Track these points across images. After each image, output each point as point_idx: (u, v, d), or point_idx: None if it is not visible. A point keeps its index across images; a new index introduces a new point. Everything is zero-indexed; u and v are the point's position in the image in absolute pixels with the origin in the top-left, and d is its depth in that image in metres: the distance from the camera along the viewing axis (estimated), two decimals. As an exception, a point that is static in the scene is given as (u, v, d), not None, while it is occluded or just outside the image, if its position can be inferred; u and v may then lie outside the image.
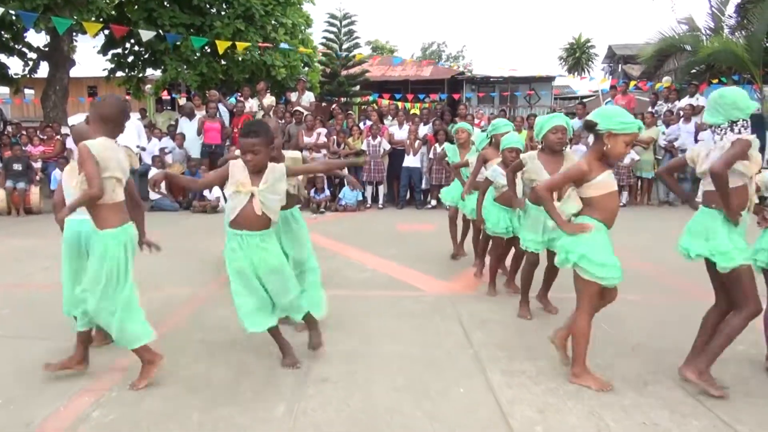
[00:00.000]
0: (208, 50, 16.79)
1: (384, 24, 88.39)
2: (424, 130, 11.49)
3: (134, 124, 11.61)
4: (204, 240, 7.57)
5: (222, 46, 12.56)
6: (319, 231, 8.45)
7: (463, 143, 6.28)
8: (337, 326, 4.19)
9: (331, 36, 22.36)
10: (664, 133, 11.59)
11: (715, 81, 14.91)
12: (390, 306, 4.70)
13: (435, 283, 5.46)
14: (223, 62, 17.29)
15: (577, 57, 36.14)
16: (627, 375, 3.34)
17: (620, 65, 34.54)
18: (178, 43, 15.06)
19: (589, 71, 34.73)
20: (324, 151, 11.23)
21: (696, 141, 11.43)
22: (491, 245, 5.24)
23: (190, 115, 11.98)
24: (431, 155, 10.91)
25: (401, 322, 4.28)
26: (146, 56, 18.01)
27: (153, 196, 11.04)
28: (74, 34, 16.11)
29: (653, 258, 6.50)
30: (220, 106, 12.30)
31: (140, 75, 18.83)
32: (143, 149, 11.03)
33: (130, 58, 18.44)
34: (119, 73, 18.78)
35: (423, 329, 4.12)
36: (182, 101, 17.01)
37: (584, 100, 17.63)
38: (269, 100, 13.00)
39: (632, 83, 17.21)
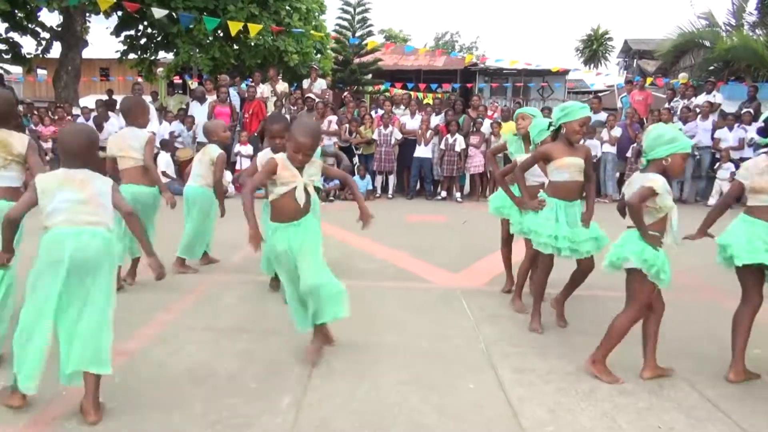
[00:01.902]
0: (221, 34, 16.73)
1: (397, 13, 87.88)
2: (436, 120, 11.38)
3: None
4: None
5: (234, 27, 12.46)
6: (328, 219, 8.37)
7: (526, 134, 4.65)
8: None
9: (345, 23, 22.17)
10: (680, 130, 11.39)
11: (733, 78, 14.69)
12: (398, 297, 4.63)
13: (445, 275, 5.38)
14: (235, 47, 17.23)
15: (594, 49, 35.73)
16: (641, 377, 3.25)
17: (635, 60, 34.14)
18: (191, 26, 15.00)
19: (606, 64, 34.33)
20: (334, 139, 11.14)
21: (712, 139, 11.27)
22: (540, 265, 4.17)
23: (201, 99, 11.90)
24: (443, 146, 10.80)
25: (409, 314, 4.21)
26: (159, 39, 17.97)
27: (162, 179, 11.01)
28: (87, 14, 16.08)
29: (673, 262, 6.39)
30: (231, 91, 12.22)
31: (153, 58, 18.80)
32: (153, 133, 10.96)
33: (143, 41, 18.41)
34: (131, 55, 18.76)
35: (432, 322, 4.05)
36: (194, 86, 16.99)
37: (599, 95, 17.38)
38: (282, 86, 12.92)
39: (648, 80, 16.98)
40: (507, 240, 4.94)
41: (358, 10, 21.95)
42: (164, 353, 3.37)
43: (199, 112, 11.80)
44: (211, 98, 11.70)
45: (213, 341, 3.59)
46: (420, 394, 2.98)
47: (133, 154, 4.49)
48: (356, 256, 6.06)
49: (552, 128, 3.99)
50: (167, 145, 11.09)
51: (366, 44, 22.03)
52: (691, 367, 3.37)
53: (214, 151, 5.32)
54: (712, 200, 11.04)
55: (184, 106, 12.72)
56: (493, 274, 5.44)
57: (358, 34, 22.00)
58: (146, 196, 4.56)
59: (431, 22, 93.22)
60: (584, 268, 4.06)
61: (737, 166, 6.02)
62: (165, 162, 10.78)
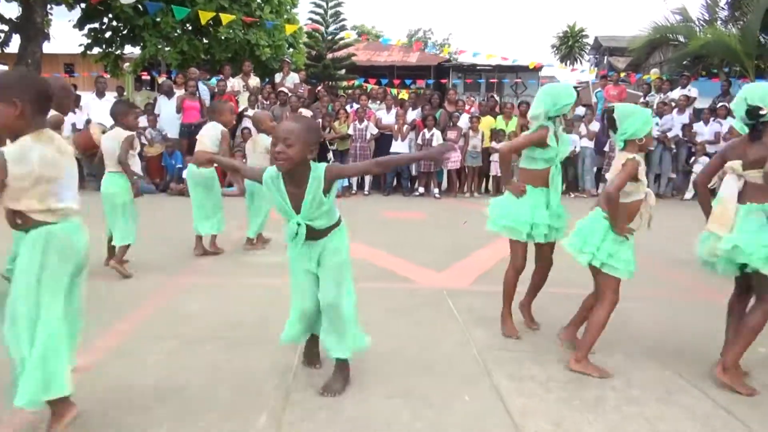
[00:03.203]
0: (189, 27, 16.21)
1: (370, 10, 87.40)
2: (412, 115, 11.12)
3: (110, 101, 11.05)
4: (181, 224, 7.07)
5: (204, 17, 12.00)
6: (303, 217, 8.07)
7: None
8: (325, 321, 3.83)
9: (317, 17, 21.78)
10: (657, 124, 11.34)
11: (705, 74, 14.77)
12: (381, 299, 4.34)
13: (428, 274, 5.12)
14: (205, 41, 16.72)
15: (570, 46, 35.91)
16: (645, 382, 3.04)
17: (606, 57, 34.46)
18: (158, 19, 14.47)
19: (581, 61, 34.56)
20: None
21: (682, 129, 11.21)
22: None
23: (169, 94, 11.43)
24: (420, 141, 10.55)
25: (394, 319, 3.93)
26: (124, 32, 17.33)
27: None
28: (48, 6, 15.40)
29: (652, 252, 6.23)
30: (200, 85, 11.78)
31: (118, 52, 18.14)
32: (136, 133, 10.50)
33: (108, 34, 17.74)
34: (96, 50, 18.07)
35: (418, 326, 3.78)
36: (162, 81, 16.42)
37: (576, 89, 17.35)
38: (255, 81, 12.53)
39: (622, 74, 16.98)
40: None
41: (331, 4, 21.58)
42: (124, 368, 3.03)
43: (166, 107, 11.34)
44: (180, 92, 11.25)
45: (180, 352, 3.25)
46: (412, 408, 2.70)
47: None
48: (334, 256, 5.75)
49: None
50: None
51: (340, 38, 21.71)
52: (699, 371, 3.16)
53: (265, 140, 5.74)
54: (689, 194, 11.01)
55: (151, 101, 12.25)
56: (477, 273, 5.20)
57: (331, 28, 21.64)
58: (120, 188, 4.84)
59: (404, 19, 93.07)
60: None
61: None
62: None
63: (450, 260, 5.64)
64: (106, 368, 3.01)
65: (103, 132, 8.72)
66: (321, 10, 21.66)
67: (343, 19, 21.92)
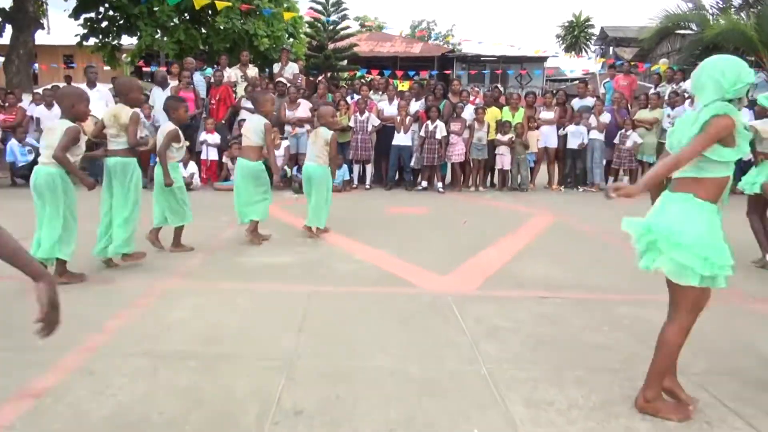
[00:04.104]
0: (187, 17, 15.82)
1: (373, 0, 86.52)
2: (415, 106, 10.69)
3: (103, 92, 10.69)
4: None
5: (199, 3, 11.58)
6: (301, 213, 7.69)
7: None
8: (319, 331, 3.47)
9: (318, 6, 21.32)
10: (669, 116, 10.91)
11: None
12: (381, 306, 3.97)
13: (432, 278, 4.73)
14: (203, 31, 16.33)
15: (575, 35, 35.32)
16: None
17: (612, 47, 33.96)
18: (155, 8, 14.08)
19: (586, 51, 34.00)
20: (307, 126, 10.42)
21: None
22: None
23: (163, 84, 11.03)
24: (423, 133, 10.14)
25: (394, 329, 3.55)
26: (121, 22, 16.95)
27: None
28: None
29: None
30: (197, 75, 11.39)
31: (115, 42, 17.77)
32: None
33: (104, 24, 17.37)
34: (92, 40, 17.70)
35: (420, 338, 3.40)
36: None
37: (585, 80, 16.87)
38: (253, 71, 12.13)
39: (632, 64, 16.52)
40: None
41: (332, -7, 21.15)
42: (86, 392, 2.66)
43: (160, 98, 10.94)
44: (174, 83, 10.86)
45: (151, 371, 2.88)
46: (412, 442, 2.33)
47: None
48: (334, 257, 5.38)
49: None
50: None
51: (341, 29, 21.26)
52: (739, 394, 2.78)
53: (326, 133, 6.07)
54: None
55: (148, 92, 11.86)
56: (484, 276, 4.81)
57: (332, 18, 21.18)
58: (123, 165, 4.78)
59: (407, 9, 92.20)
60: None
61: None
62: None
63: (455, 261, 5.26)
64: (63, 392, 2.64)
65: (95, 124, 8.45)
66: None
67: (345, 9, 21.47)
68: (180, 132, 5.26)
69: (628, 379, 2.89)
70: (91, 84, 10.50)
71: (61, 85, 14.06)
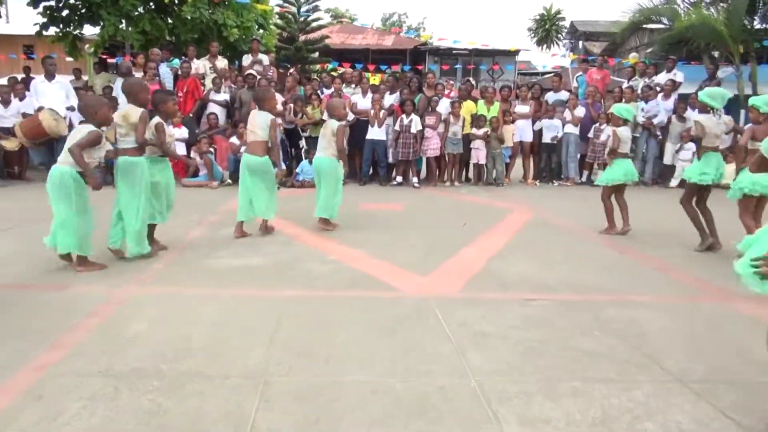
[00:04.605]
0: (152, 6, 15.25)
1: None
2: (389, 99, 10.46)
3: (62, 84, 10.17)
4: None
5: (165, -7, 11.10)
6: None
7: None
8: (294, 343, 3.22)
9: (289, -3, 20.92)
10: (642, 109, 10.90)
11: (684, 59, 14.39)
12: (359, 312, 3.74)
13: (412, 279, 4.52)
14: (169, 21, 15.76)
15: (547, 29, 35.39)
16: (690, 423, 2.48)
17: (581, 42, 34.17)
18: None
19: (558, 44, 34.13)
20: (279, 120, 10.11)
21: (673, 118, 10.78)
22: None
23: (128, 76, 10.57)
24: (397, 127, 9.93)
25: (375, 338, 3.33)
26: (83, 10, 16.25)
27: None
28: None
29: (652, 248, 5.76)
30: (163, 67, 10.97)
31: (76, 32, 17.05)
32: (73, 109, 9.59)
33: (65, 12, 16.64)
34: (53, 29, 16.95)
35: (403, 349, 3.18)
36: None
37: (559, 73, 16.80)
38: (222, 62, 11.73)
39: (605, 58, 16.55)
40: None
41: (303, -17, 20.74)
42: (33, 419, 2.37)
43: (124, 90, 10.52)
44: (138, 75, 10.41)
45: (110, 395, 2.59)
46: (401, 471, 2.12)
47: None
48: (308, 257, 5.13)
49: None
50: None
51: (312, 20, 20.88)
52: (740, 402, 2.63)
53: (334, 124, 6.20)
54: (674, 182, 10.61)
55: (112, 85, 11.38)
56: (467, 276, 4.62)
57: (303, 9, 20.77)
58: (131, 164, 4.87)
59: (378, 2, 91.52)
60: None
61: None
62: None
63: (434, 260, 5.07)
64: (7, 422, 2.36)
65: (55, 119, 7.99)
66: (293, -10, 20.80)
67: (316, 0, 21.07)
68: (165, 126, 5.09)
69: (626, 390, 2.72)
70: (50, 76, 10.00)
71: (20, 77, 13.49)
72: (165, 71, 10.86)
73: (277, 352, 3.09)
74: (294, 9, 20.63)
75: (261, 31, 17.39)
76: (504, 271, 4.79)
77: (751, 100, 5.50)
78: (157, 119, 5.00)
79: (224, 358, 3.00)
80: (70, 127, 10.45)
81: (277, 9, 19.76)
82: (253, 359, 2.99)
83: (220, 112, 10.73)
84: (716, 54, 14.42)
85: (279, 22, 20.79)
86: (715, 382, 2.86)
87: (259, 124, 5.80)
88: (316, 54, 21.73)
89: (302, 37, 20.95)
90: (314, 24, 21.48)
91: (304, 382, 2.76)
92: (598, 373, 2.92)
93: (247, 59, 12.15)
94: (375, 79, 16.83)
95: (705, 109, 5.70)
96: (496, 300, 4.05)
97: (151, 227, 5.18)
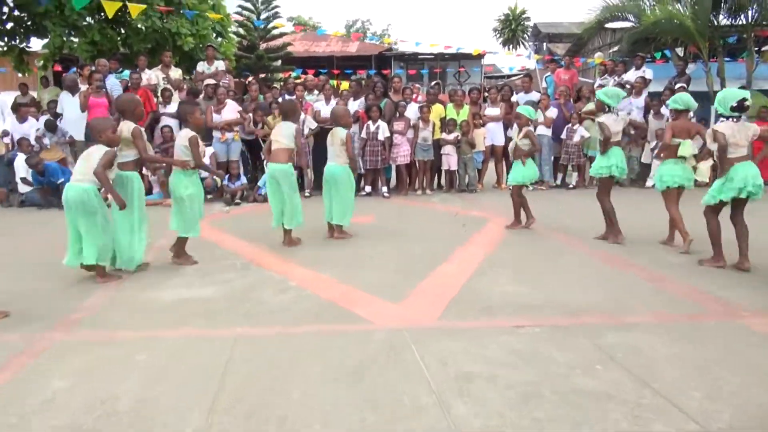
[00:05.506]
0: (103, 16, 14.50)
1: (307, 0, 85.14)
2: (354, 105, 9.92)
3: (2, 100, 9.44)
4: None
5: (110, 7, 10.43)
6: (230, 229, 6.82)
7: None
8: (243, 397, 2.67)
9: (248, 4, 20.25)
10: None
11: (649, 58, 14.23)
12: (321, 353, 3.20)
13: (383, 307, 3.99)
14: (122, 30, 15.03)
15: (512, 29, 35.29)
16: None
17: (545, 43, 34.26)
18: (64, 1, 12.76)
19: (525, 45, 34.09)
20: (237, 128, 9.55)
21: (645, 117, 10.51)
22: None
23: (73, 89, 9.89)
24: (364, 134, 9.41)
25: (339, 388, 2.79)
26: (28, 23, 15.42)
27: (22, 188, 8.98)
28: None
29: (640, 255, 5.35)
30: (111, 78, 10.27)
31: (23, 45, 16.18)
32: (6, 133, 8.86)
33: (9, 25, 15.77)
34: (-3, 43, 16.07)
35: (373, 400, 2.65)
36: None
37: (529, 74, 16.56)
38: (176, 72, 11.08)
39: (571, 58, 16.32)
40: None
41: (262, -11, 20.12)
42: None
43: (70, 104, 9.80)
44: (83, 87, 9.72)
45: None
46: None
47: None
48: (265, 284, 4.57)
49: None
50: (22, 145, 8.96)
51: (272, 28, 20.29)
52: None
53: (341, 132, 6.20)
54: (650, 182, 10.31)
55: (57, 99, 10.64)
56: (445, 300, 4.11)
57: (263, 16, 20.16)
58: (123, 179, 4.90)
59: (341, 9, 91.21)
60: None
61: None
62: (23, 166, 8.74)
63: (409, 281, 4.56)
64: None
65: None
66: (251, -3, 20.16)
67: (276, 6, 20.46)
68: (199, 138, 5.24)
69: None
70: (-14, 91, 9.23)
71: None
72: (113, 83, 10.15)
73: (220, 415, 2.53)
74: (253, 16, 19.99)
75: (219, 39, 16.76)
76: (486, 291, 4.30)
77: (669, 101, 5.91)
78: (190, 133, 5.15)
79: (155, 425, 2.43)
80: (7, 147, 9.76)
81: (236, 17, 19.12)
82: (191, 426, 2.43)
83: (175, 125, 10.07)
84: (680, 51, 14.27)
85: (238, 30, 20.15)
86: (744, 430, 2.40)
87: (283, 133, 5.92)
88: (279, 62, 21.11)
89: (263, 45, 20.32)
90: (275, 32, 20.85)
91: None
92: (607, 423, 2.44)
93: (201, 66, 11.52)
94: (345, 86, 16.31)
95: (603, 108, 6.00)
96: (479, 328, 3.55)
97: (182, 241, 5.27)
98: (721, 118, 4.97)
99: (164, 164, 6.94)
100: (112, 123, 4.94)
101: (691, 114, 6.06)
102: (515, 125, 7.14)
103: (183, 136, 5.20)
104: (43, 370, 3.05)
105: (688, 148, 5.41)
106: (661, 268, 4.95)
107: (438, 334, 3.46)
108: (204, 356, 3.16)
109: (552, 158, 10.72)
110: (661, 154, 5.70)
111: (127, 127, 4.89)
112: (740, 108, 4.83)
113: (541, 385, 2.77)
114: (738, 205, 4.96)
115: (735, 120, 4.86)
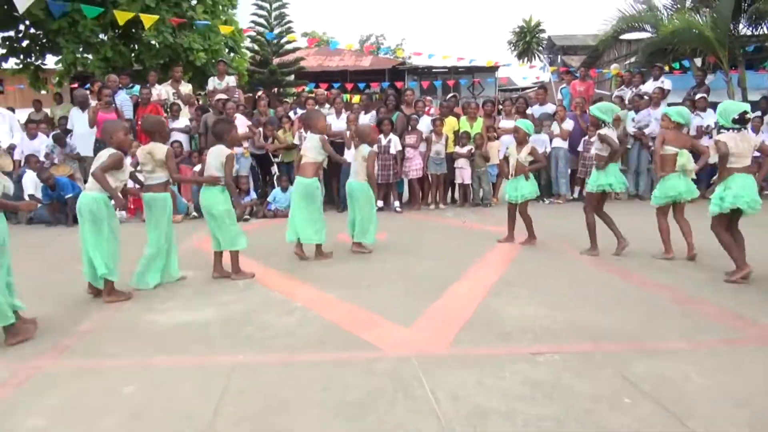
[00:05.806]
0: (115, 32, 14.55)
1: (320, 15, 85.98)
2: (365, 119, 9.75)
3: (5, 116, 9.39)
4: (72, 269, 5.49)
5: (122, 17, 10.39)
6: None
7: None
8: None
9: (260, 20, 20.29)
10: (633, 120, 10.32)
11: (668, 68, 13.95)
12: (324, 384, 2.96)
13: (393, 331, 3.75)
14: (135, 47, 15.07)
15: (527, 41, 35.05)
16: None
17: (560, 56, 34.03)
18: (77, 21, 12.80)
19: (540, 57, 33.85)
20: (247, 143, 9.40)
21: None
22: None
23: (84, 105, 9.82)
24: (375, 148, 9.20)
25: (341, 425, 2.55)
26: (43, 40, 15.53)
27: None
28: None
29: (661, 272, 5.06)
30: (122, 94, 10.19)
31: (38, 62, 16.31)
32: (12, 147, 8.80)
33: (25, 43, 15.91)
34: (13, 61, 16.20)
35: (380, 439, 2.41)
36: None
37: (544, 86, 16.34)
38: (186, 87, 11.01)
39: (588, 70, 16.07)
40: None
41: (275, 5, 20.12)
42: None
43: (80, 120, 9.73)
44: (93, 103, 9.65)
45: None
46: None
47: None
48: (268, 306, 4.35)
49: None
50: (30, 161, 8.88)
51: (285, 42, 20.29)
52: None
53: (364, 149, 6.25)
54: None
55: (67, 116, 10.60)
56: (458, 324, 3.85)
57: (276, 31, 20.17)
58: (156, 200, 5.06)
59: (355, 24, 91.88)
60: None
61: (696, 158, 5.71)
62: (32, 182, 8.65)
63: (418, 303, 4.31)
64: None
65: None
66: (264, 12, 20.18)
67: (289, 21, 20.48)
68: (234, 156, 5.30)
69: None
70: (-7, 108, 9.21)
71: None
72: (123, 98, 10.07)
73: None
74: (266, 30, 20.02)
75: (232, 54, 16.76)
76: (501, 314, 4.04)
77: (665, 110, 5.95)
78: (227, 150, 5.15)
79: None
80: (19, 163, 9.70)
81: (245, 31, 19.15)
82: None
83: (184, 139, 9.97)
84: (699, 61, 13.95)
85: (251, 45, 20.19)
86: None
87: (311, 146, 5.91)
88: (292, 77, 21.10)
89: (276, 60, 20.32)
90: (288, 46, 20.86)
91: None
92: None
93: (212, 81, 11.43)
94: (357, 99, 16.21)
95: (597, 123, 5.94)
96: (494, 356, 3.29)
97: (234, 254, 5.27)
98: (723, 130, 5.02)
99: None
100: (124, 125, 4.94)
101: (685, 130, 6.13)
102: (514, 139, 6.92)
103: (220, 153, 5.14)
104: (21, 404, 2.85)
105: (685, 158, 5.48)
106: (685, 286, 4.66)
107: (450, 362, 3.21)
108: (198, 389, 2.94)
109: (569, 171, 10.44)
110: (661, 173, 5.61)
111: (159, 149, 4.96)
112: (742, 120, 4.91)
113: (564, 423, 2.51)
114: (734, 218, 4.98)
115: (737, 131, 4.93)
